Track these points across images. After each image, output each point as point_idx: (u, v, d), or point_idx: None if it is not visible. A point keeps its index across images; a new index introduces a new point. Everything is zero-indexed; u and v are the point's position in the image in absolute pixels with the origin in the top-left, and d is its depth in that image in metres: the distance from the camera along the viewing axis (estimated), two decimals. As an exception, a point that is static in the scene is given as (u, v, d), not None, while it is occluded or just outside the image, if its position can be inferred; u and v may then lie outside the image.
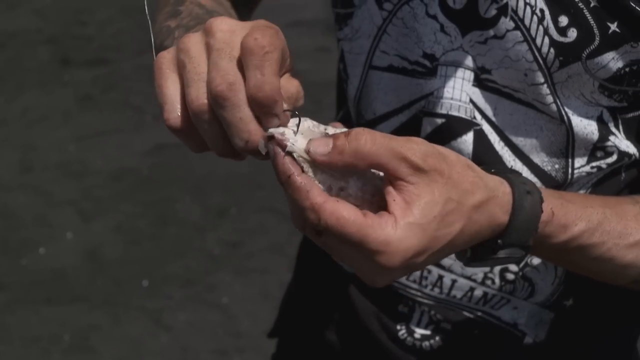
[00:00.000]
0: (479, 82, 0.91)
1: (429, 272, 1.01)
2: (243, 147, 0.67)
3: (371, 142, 0.65)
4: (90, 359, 2.72)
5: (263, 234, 3.21)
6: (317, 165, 0.66)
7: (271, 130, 0.66)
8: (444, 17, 0.91)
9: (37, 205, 3.37)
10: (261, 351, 2.45)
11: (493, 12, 0.88)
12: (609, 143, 0.92)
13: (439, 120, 0.93)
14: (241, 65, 0.66)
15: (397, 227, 0.64)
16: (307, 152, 0.65)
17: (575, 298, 1.02)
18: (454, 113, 0.92)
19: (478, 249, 0.73)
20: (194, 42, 0.68)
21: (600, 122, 0.90)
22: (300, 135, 0.67)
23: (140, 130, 3.80)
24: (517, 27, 0.87)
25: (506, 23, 0.87)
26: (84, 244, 3.18)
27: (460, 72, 0.91)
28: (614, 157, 0.93)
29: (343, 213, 0.64)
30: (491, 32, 0.88)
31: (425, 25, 0.92)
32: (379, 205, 0.67)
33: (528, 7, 0.86)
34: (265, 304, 2.84)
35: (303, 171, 0.66)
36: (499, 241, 0.72)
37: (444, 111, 0.93)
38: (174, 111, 0.68)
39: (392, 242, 0.64)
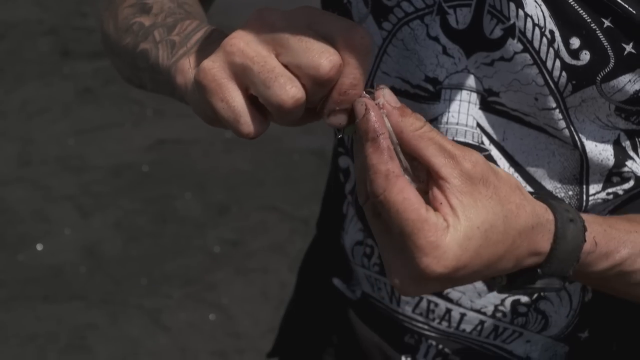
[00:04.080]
0: (486, 105, 0.86)
1: (436, 305, 0.97)
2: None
3: (427, 129, 0.63)
4: (86, 359, 2.69)
5: (264, 233, 3.17)
6: None
7: (384, 91, 0.63)
8: (447, 38, 0.85)
9: (35, 200, 3.33)
10: (260, 352, 2.41)
11: (499, 32, 0.83)
12: (626, 168, 0.87)
13: None
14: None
15: (447, 233, 0.61)
16: (378, 88, 0.63)
17: (591, 330, 0.98)
18: (460, 139, 0.87)
19: (515, 277, 0.70)
20: (245, 41, 0.63)
21: (617, 145, 0.86)
22: None
23: (140, 125, 3.75)
24: (525, 50, 0.82)
25: (514, 45, 0.82)
26: (82, 240, 3.14)
27: (465, 95, 0.86)
28: (631, 183, 0.88)
29: (411, 195, 0.61)
30: (498, 54, 0.83)
31: (427, 48, 0.87)
32: None
33: (537, 29, 0.80)
34: (265, 305, 2.81)
35: None
36: (538, 270, 0.69)
37: (449, 137, 0.87)
38: (249, 123, 0.64)
39: (440, 246, 0.61)
